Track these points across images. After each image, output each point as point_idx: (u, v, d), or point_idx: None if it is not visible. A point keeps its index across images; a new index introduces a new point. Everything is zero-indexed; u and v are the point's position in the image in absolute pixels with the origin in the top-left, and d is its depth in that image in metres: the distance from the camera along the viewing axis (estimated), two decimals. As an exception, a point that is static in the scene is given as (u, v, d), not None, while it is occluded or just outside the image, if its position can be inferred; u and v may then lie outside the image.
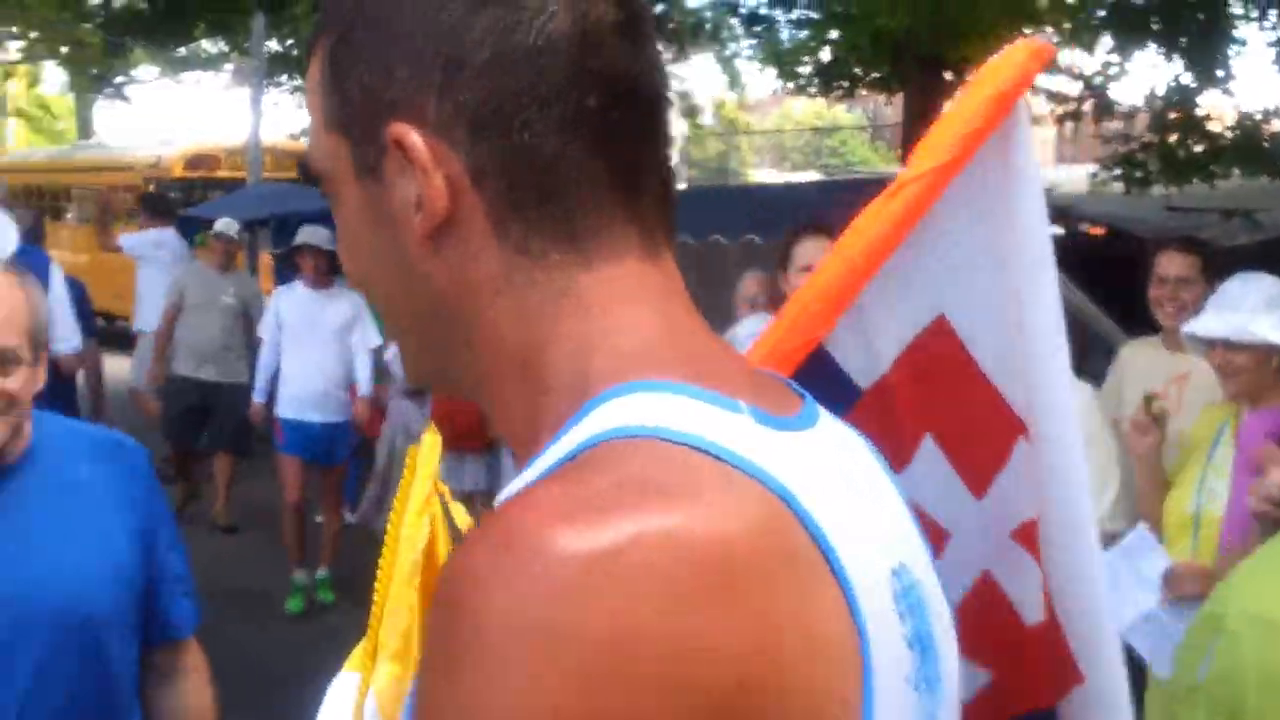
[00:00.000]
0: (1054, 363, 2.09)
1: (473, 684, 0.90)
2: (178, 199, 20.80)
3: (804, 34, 23.39)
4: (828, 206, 6.03)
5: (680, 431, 1.01)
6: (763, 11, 23.48)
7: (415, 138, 1.08)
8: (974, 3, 12.22)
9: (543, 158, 1.08)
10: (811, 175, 52.66)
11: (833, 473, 1.10)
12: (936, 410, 2.15)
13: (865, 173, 16.10)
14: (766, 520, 0.99)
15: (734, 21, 27.40)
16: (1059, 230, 9.68)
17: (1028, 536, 2.11)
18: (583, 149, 1.09)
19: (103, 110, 50.56)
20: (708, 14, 28.69)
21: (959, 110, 2.09)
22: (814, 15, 21.70)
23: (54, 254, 23.87)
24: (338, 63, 1.15)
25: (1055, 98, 14.74)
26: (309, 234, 9.39)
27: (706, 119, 48.01)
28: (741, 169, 66.58)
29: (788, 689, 0.95)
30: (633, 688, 0.90)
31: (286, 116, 39.58)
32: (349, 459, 9.88)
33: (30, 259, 6.86)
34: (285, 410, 9.30)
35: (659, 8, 27.50)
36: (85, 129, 42.62)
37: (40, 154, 31.11)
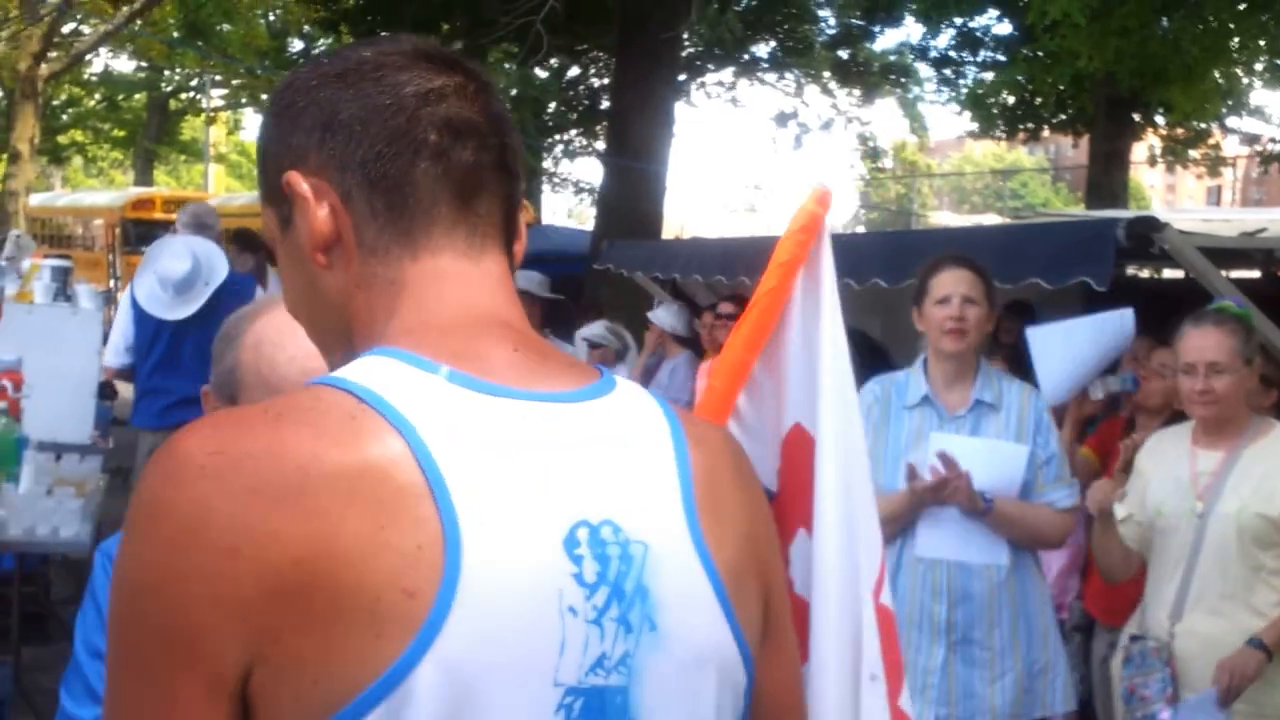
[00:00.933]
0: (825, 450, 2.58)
1: (122, 544, 1.28)
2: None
3: (990, 76, 23.22)
4: (1019, 250, 6.03)
5: (352, 381, 1.34)
6: (951, 54, 23.28)
7: (298, 178, 1.45)
8: (1176, 45, 12.05)
9: (392, 179, 1.44)
10: (992, 217, 52.11)
11: (516, 434, 1.36)
12: (802, 506, 2.58)
13: (1051, 214, 15.93)
14: (372, 447, 1.29)
15: (920, 65, 27.34)
16: (1255, 274, 9.46)
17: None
18: (425, 172, 1.45)
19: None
20: (893, 58, 28.65)
21: (779, 249, 2.82)
22: (1001, 58, 21.51)
23: (255, 294, 24.34)
24: (262, 154, 1.53)
25: (1250, 140, 14.46)
26: (521, 279, 7.75)
27: (887, 162, 47.89)
28: (921, 211, 66.11)
29: (343, 572, 1.24)
30: (204, 554, 1.24)
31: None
32: None
33: (239, 282, 8.14)
34: None
35: (843, 52, 27.57)
36: (283, 174, 43.65)
37: (240, 199, 31.95)
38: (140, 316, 7.82)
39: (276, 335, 2.18)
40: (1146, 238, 5.40)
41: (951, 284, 4.60)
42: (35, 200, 31.38)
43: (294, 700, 1.25)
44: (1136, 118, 21.45)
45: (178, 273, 7.73)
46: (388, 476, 1.28)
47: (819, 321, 2.73)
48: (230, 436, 1.29)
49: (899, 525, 4.57)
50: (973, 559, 4.56)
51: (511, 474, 1.34)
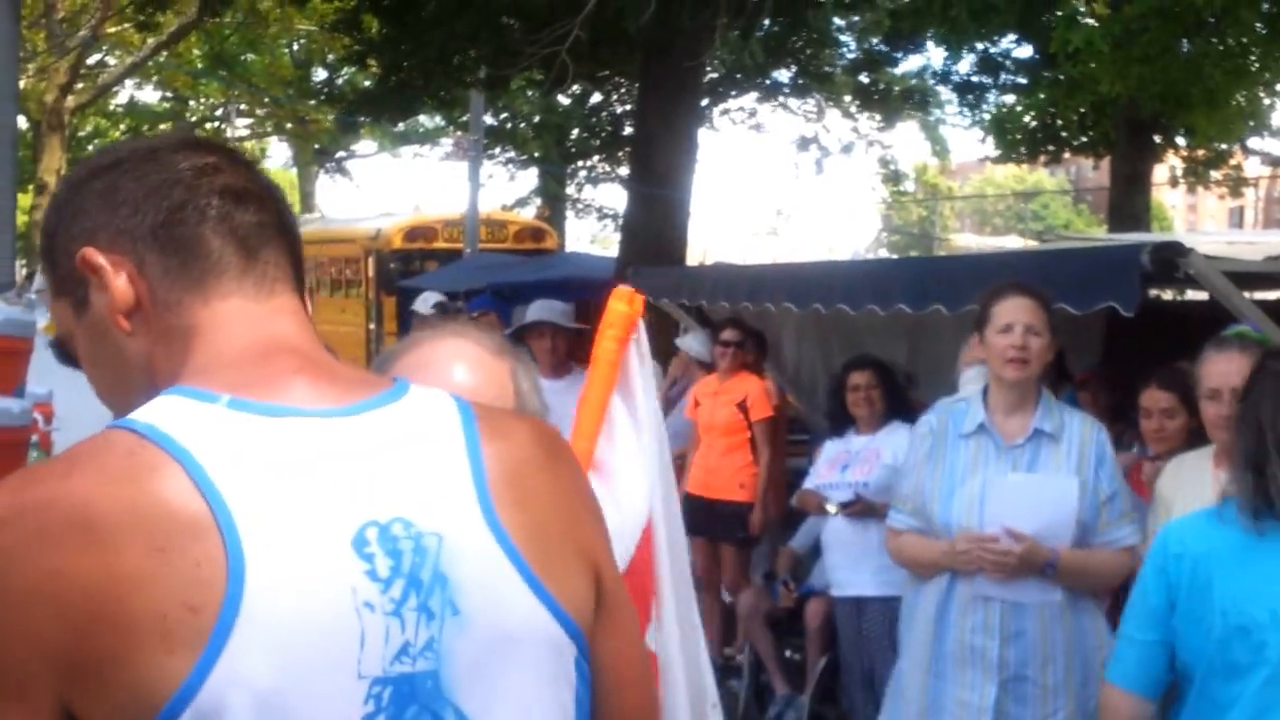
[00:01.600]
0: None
1: None
2: (397, 270, 21.33)
3: (1010, 99, 23.19)
4: (1045, 276, 6.02)
5: (136, 420, 1.46)
6: (973, 78, 23.25)
7: (93, 253, 1.58)
8: (1198, 70, 12.01)
9: (182, 240, 1.58)
10: (1014, 239, 52.00)
11: (297, 449, 1.48)
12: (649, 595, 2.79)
13: (1074, 237, 15.88)
14: (151, 480, 1.41)
15: (941, 89, 27.33)
16: None
17: None
18: (213, 229, 1.59)
19: (324, 184, 51.86)
20: (914, 82, 28.63)
21: (598, 351, 2.98)
22: (1022, 81, 21.48)
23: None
24: (49, 252, 1.64)
25: (1272, 160, 14.42)
26: (543, 309, 8.10)
27: (909, 185, 47.86)
28: (943, 234, 66.00)
29: (129, 595, 1.36)
30: (8, 602, 1.36)
31: (501, 189, 40.31)
32: None
33: None
34: None
35: (864, 77, 27.57)
36: (308, 203, 43.89)
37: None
38: None
39: (433, 359, 2.26)
40: (1171, 262, 5.39)
41: (1014, 312, 4.56)
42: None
43: (106, 714, 1.38)
44: (1158, 140, 21.41)
45: None
46: (165, 503, 1.40)
47: (638, 421, 2.94)
48: (24, 489, 1.42)
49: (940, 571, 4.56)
50: (1026, 596, 4.50)
51: (294, 486, 1.46)
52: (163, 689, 1.36)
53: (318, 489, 1.47)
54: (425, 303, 11.44)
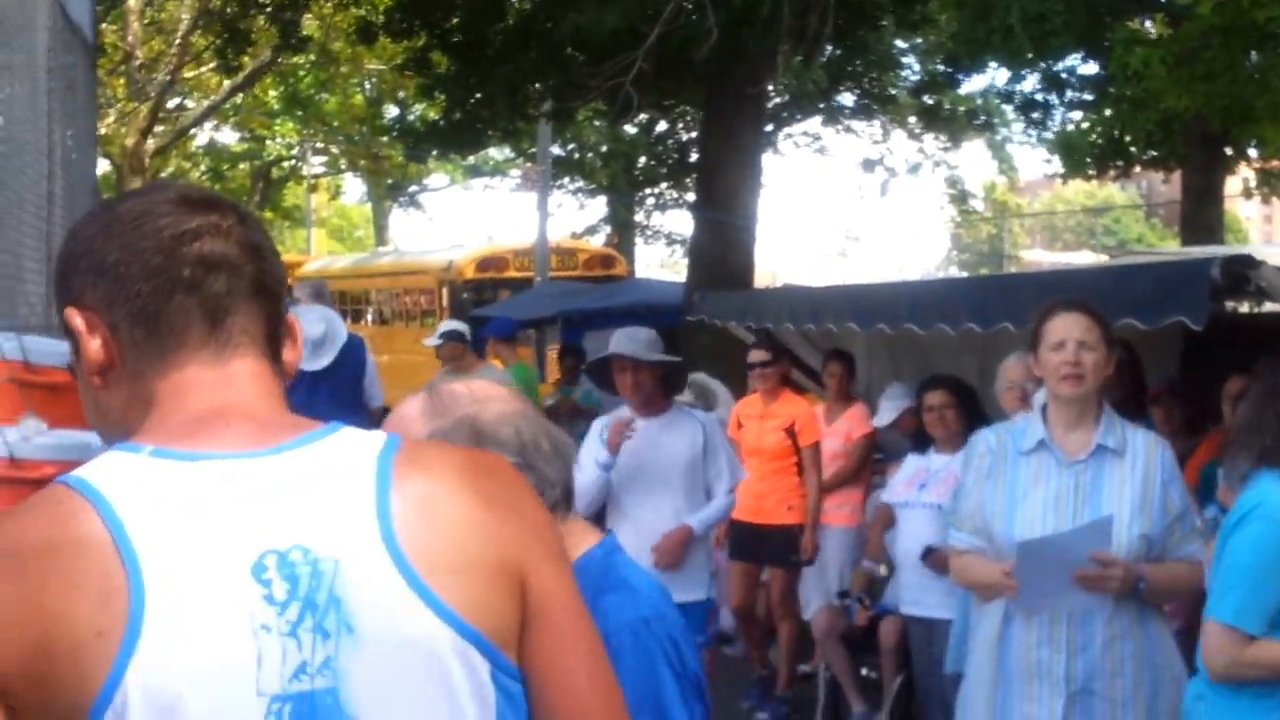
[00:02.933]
0: None
1: None
2: (470, 299, 21.45)
3: (1076, 116, 23.01)
4: (1114, 290, 5.97)
5: (71, 475, 1.60)
6: (1037, 97, 23.09)
7: (73, 313, 1.71)
8: (1265, 83, 11.85)
9: (150, 311, 1.69)
10: (1085, 255, 51.57)
11: (205, 487, 1.59)
12: None
13: (1147, 252, 15.73)
14: (70, 524, 1.54)
15: (1006, 108, 27.16)
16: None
17: None
18: (179, 304, 1.69)
19: (398, 217, 52.21)
20: (978, 101, 28.52)
21: None
22: (1088, 98, 21.30)
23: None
24: (55, 295, 1.78)
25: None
26: (622, 340, 6.97)
27: (977, 203, 47.60)
28: (1013, 251, 65.61)
29: (50, 625, 1.49)
30: None
31: (570, 217, 40.42)
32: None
33: (354, 341, 10.14)
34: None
35: (927, 98, 27.48)
36: (382, 236, 44.23)
37: (341, 261, 32.32)
38: None
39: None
40: (1243, 275, 5.33)
41: (1065, 329, 4.50)
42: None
43: None
44: (1229, 152, 21.18)
45: (316, 334, 9.51)
46: (80, 543, 1.53)
47: None
48: None
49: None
50: (1092, 608, 4.45)
51: (199, 521, 1.57)
52: (79, 706, 1.50)
53: (222, 522, 1.58)
54: (434, 334, 11.29)
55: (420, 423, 2.45)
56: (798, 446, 8.54)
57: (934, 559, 6.75)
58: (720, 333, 10.64)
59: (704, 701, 2.69)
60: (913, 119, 29.43)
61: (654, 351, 6.88)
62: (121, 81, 30.85)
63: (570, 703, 1.69)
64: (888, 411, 8.49)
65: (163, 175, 36.59)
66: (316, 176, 44.35)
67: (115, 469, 1.60)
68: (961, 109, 28.60)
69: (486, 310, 19.31)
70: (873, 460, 9.01)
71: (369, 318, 26.28)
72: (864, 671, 7.76)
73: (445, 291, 22.67)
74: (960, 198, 34.73)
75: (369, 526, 1.62)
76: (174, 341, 1.70)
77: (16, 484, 4.19)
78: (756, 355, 8.72)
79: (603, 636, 1.94)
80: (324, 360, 9.67)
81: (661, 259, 39.81)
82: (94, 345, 1.71)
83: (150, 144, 31.41)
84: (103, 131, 28.47)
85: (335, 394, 9.41)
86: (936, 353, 8.64)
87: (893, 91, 27.30)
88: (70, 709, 1.51)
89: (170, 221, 1.71)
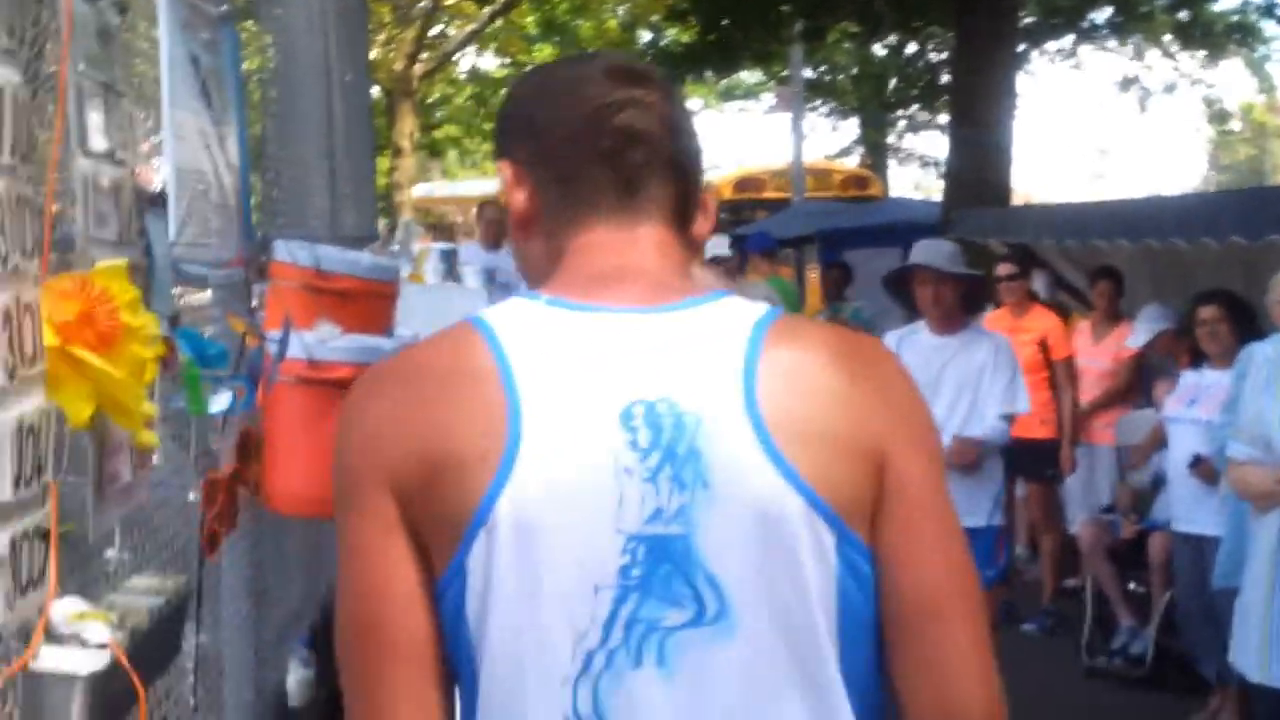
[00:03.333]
0: None
1: None
2: (727, 220, 21.43)
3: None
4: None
5: (477, 315, 1.73)
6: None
7: (504, 166, 1.83)
8: None
9: (568, 175, 1.78)
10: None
11: (590, 336, 1.68)
12: None
13: None
14: (468, 356, 1.68)
15: (1265, 24, 25.99)
16: None
17: None
18: (598, 169, 1.76)
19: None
20: (1236, 18, 27.31)
21: None
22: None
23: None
24: (494, 149, 1.91)
25: None
26: (926, 251, 6.66)
27: (1235, 124, 45.78)
28: (1273, 173, 62.87)
29: (443, 442, 1.64)
30: (353, 436, 1.73)
31: (824, 140, 40.06)
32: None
33: None
34: None
35: (1183, 14, 26.40)
36: (638, 159, 44.33)
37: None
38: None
39: None
40: None
41: None
42: (417, 191, 32.56)
43: (432, 538, 1.67)
44: None
45: None
46: (474, 373, 1.66)
47: None
48: (396, 358, 1.81)
49: None
50: None
51: (577, 365, 1.66)
52: (462, 516, 1.63)
53: (599, 368, 1.66)
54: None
55: None
56: (1049, 361, 8.35)
57: (1201, 469, 6.53)
58: (979, 251, 10.38)
59: None
60: (1168, 36, 28.31)
61: (957, 265, 6.54)
62: (388, 8, 31.38)
63: (920, 583, 1.67)
64: (1143, 333, 8.27)
65: (429, 101, 37.30)
66: (576, 100, 44.57)
67: (513, 313, 1.73)
68: (1219, 25, 27.40)
69: (744, 230, 19.30)
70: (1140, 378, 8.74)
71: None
72: (1131, 586, 7.57)
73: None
74: (1218, 117, 33.37)
75: (734, 388, 1.65)
76: (586, 206, 1.77)
77: (315, 384, 4.29)
78: (1004, 269, 8.55)
79: None
80: None
81: (915, 181, 39.14)
82: (518, 198, 1.81)
83: (417, 69, 31.93)
84: (372, 56, 29.05)
85: None
86: (1199, 269, 8.32)
87: (1147, 9, 26.28)
88: (451, 525, 1.63)
89: (599, 91, 1.77)
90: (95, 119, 2.96)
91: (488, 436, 1.62)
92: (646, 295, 1.73)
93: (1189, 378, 7.09)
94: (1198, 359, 7.10)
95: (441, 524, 1.64)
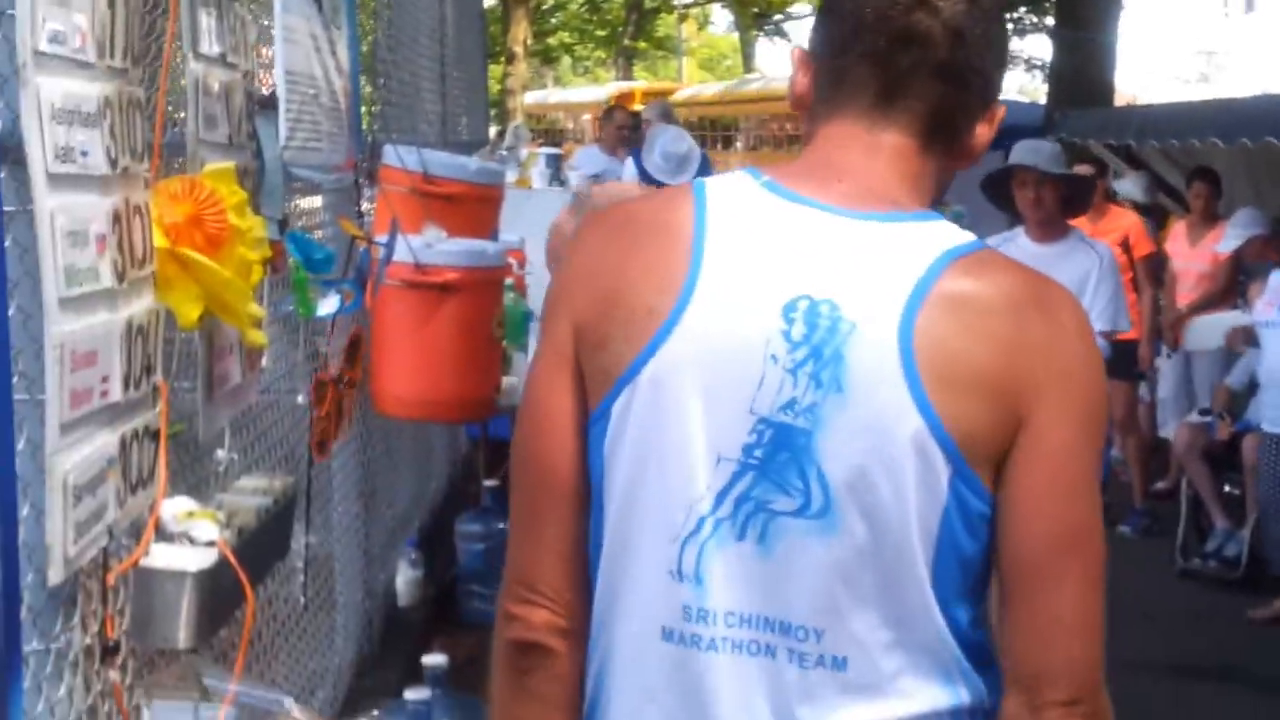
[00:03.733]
0: None
1: None
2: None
3: None
4: None
5: (699, 180, 1.78)
6: None
7: (797, 52, 1.82)
8: None
9: (839, 68, 1.75)
10: None
11: (786, 225, 1.69)
12: None
13: None
14: (674, 213, 1.72)
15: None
16: None
17: None
18: (865, 66, 1.72)
19: (764, 46, 51.85)
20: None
21: None
22: None
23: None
24: None
25: None
26: (1026, 151, 6.12)
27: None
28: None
29: (622, 287, 1.70)
30: (559, 272, 1.87)
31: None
32: None
33: (707, 160, 10.00)
34: None
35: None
36: (748, 64, 43.90)
37: (710, 89, 32.22)
38: (648, 182, 9.40)
39: None
40: None
41: None
42: (529, 98, 32.49)
43: (592, 378, 1.71)
44: None
45: (681, 149, 9.59)
46: (673, 229, 1.70)
47: None
48: (615, 205, 1.88)
49: None
50: None
51: (763, 248, 1.68)
52: (620, 366, 1.68)
53: (783, 257, 1.67)
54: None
55: (568, 222, 2.75)
56: (1132, 260, 8.16)
57: None
58: (1081, 152, 10.14)
59: None
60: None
61: (1058, 166, 6.04)
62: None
63: (1032, 539, 1.62)
64: (1233, 239, 8.06)
65: (543, 7, 37.12)
66: (686, 7, 44.17)
67: (729, 186, 1.75)
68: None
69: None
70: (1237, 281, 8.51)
71: (738, 144, 26.20)
72: (1226, 488, 7.41)
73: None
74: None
75: (897, 308, 1.62)
76: (845, 100, 1.74)
77: (421, 287, 4.27)
78: (1081, 169, 8.30)
79: None
80: (686, 175, 9.65)
81: (1020, 85, 38.38)
82: (796, 80, 1.82)
83: (532, -25, 31.77)
84: (488, -34, 28.90)
85: None
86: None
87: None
88: (607, 370, 1.69)
89: None
90: (207, 22, 2.93)
91: (661, 294, 1.66)
92: (856, 199, 1.69)
93: (1277, 279, 6.87)
94: None
95: (601, 366, 1.69)
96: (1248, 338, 7.08)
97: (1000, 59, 1.76)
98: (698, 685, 1.66)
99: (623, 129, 11.38)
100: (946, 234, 1.68)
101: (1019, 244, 5.88)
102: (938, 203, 1.77)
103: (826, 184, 1.71)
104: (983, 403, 1.60)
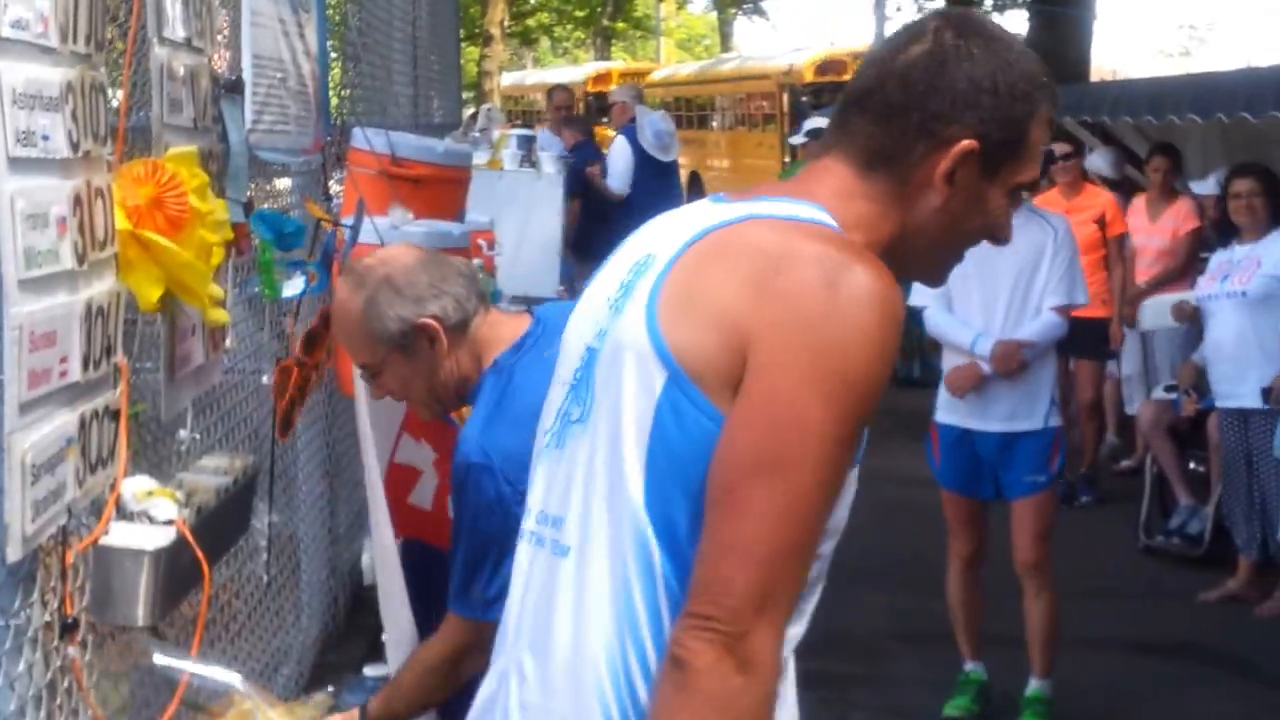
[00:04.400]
0: None
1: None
2: (809, 103, 21.15)
3: None
4: None
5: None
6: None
7: None
8: None
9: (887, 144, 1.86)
10: None
11: (685, 212, 1.93)
12: None
13: None
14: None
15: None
16: None
17: None
18: (830, 118, 1.94)
19: (742, 25, 51.75)
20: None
21: None
22: None
23: (700, 158, 24.31)
24: None
25: None
26: None
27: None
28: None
29: None
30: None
31: (907, 19, 39.33)
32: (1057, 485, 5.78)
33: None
34: (944, 410, 5.50)
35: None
36: (726, 44, 43.87)
37: (687, 68, 32.21)
38: (642, 158, 10.60)
39: None
40: None
41: None
42: (507, 79, 32.45)
43: None
44: None
45: (669, 128, 10.41)
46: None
47: None
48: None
49: None
50: None
51: (672, 223, 1.92)
52: None
53: (672, 230, 1.86)
54: (798, 133, 11.22)
55: (353, 299, 2.72)
56: (1105, 238, 8.20)
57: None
58: (1057, 129, 10.16)
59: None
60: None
61: None
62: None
63: (722, 462, 1.70)
64: (1213, 185, 8.10)
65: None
66: (652, -14, 44.13)
67: (694, 208, 1.93)
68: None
69: (826, 114, 19.06)
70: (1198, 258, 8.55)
71: (714, 123, 26.20)
72: (1191, 465, 7.47)
73: (785, 96, 22.40)
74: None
75: (669, 254, 1.82)
76: (831, 139, 1.92)
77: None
78: (1060, 147, 8.32)
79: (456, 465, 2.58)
80: (673, 154, 10.95)
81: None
82: None
83: (509, -44, 31.65)
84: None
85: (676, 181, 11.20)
86: (1277, 146, 8.10)
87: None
88: None
89: (906, 37, 1.90)
90: (173, 6, 2.94)
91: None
92: (750, 194, 1.90)
93: (1220, 255, 6.95)
94: (1227, 235, 6.98)
95: None
96: (1195, 315, 7.14)
97: (959, 100, 1.81)
98: (521, 575, 1.93)
99: (560, 109, 11.72)
100: (764, 209, 1.84)
101: None
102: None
103: (752, 189, 1.92)
104: (710, 334, 1.72)
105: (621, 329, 1.81)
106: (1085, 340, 8.06)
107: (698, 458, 1.71)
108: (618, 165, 10.69)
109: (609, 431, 1.79)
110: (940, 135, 1.81)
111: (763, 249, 1.75)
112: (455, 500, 2.71)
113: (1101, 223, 8.21)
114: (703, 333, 1.73)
